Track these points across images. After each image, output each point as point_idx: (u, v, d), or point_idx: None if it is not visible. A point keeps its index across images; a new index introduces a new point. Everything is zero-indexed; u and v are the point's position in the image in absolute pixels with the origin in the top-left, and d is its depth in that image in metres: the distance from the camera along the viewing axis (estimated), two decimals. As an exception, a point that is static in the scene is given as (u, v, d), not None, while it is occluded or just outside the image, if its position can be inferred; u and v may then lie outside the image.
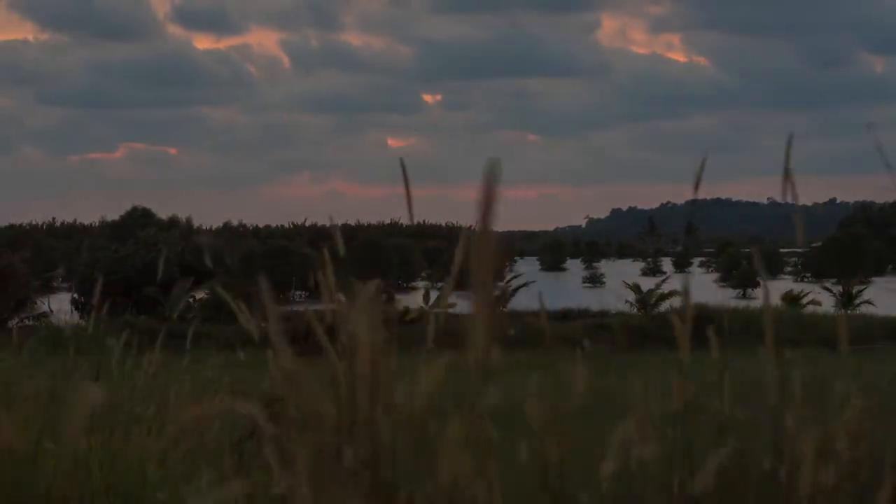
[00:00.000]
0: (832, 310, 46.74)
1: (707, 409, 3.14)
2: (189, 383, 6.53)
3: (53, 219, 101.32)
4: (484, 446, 2.36)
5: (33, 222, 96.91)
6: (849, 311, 47.08)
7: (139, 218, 54.54)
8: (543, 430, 2.67)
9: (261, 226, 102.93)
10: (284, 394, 2.10)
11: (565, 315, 41.03)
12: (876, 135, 3.58)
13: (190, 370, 7.11)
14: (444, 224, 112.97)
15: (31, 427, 4.18)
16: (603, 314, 41.75)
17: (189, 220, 58.08)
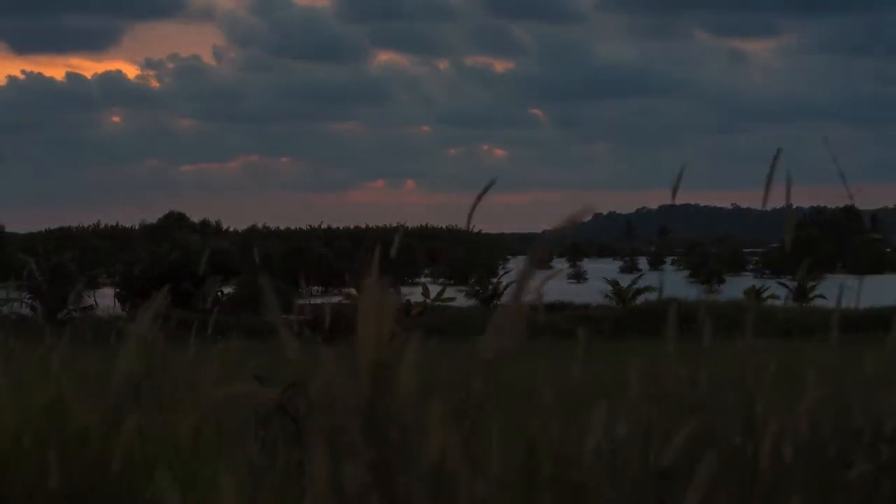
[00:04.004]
0: (789, 303, 46.76)
1: (680, 390, 3.13)
2: (217, 367, 6.50)
3: (98, 221, 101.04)
4: (474, 425, 2.34)
5: (81, 224, 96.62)
6: (803, 304, 47.08)
7: (175, 221, 54.59)
8: (542, 410, 2.66)
9: (282, 228, 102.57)
10: (303, 378, 2.08)
11: (552, 307, 41.11)
12: (829, 147, 3.57)
13: (218, 356, 7.09)
14: (444, 227, 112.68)
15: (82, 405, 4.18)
16: (585, 307, 41.91)
17: (218, 223, 57.95)
